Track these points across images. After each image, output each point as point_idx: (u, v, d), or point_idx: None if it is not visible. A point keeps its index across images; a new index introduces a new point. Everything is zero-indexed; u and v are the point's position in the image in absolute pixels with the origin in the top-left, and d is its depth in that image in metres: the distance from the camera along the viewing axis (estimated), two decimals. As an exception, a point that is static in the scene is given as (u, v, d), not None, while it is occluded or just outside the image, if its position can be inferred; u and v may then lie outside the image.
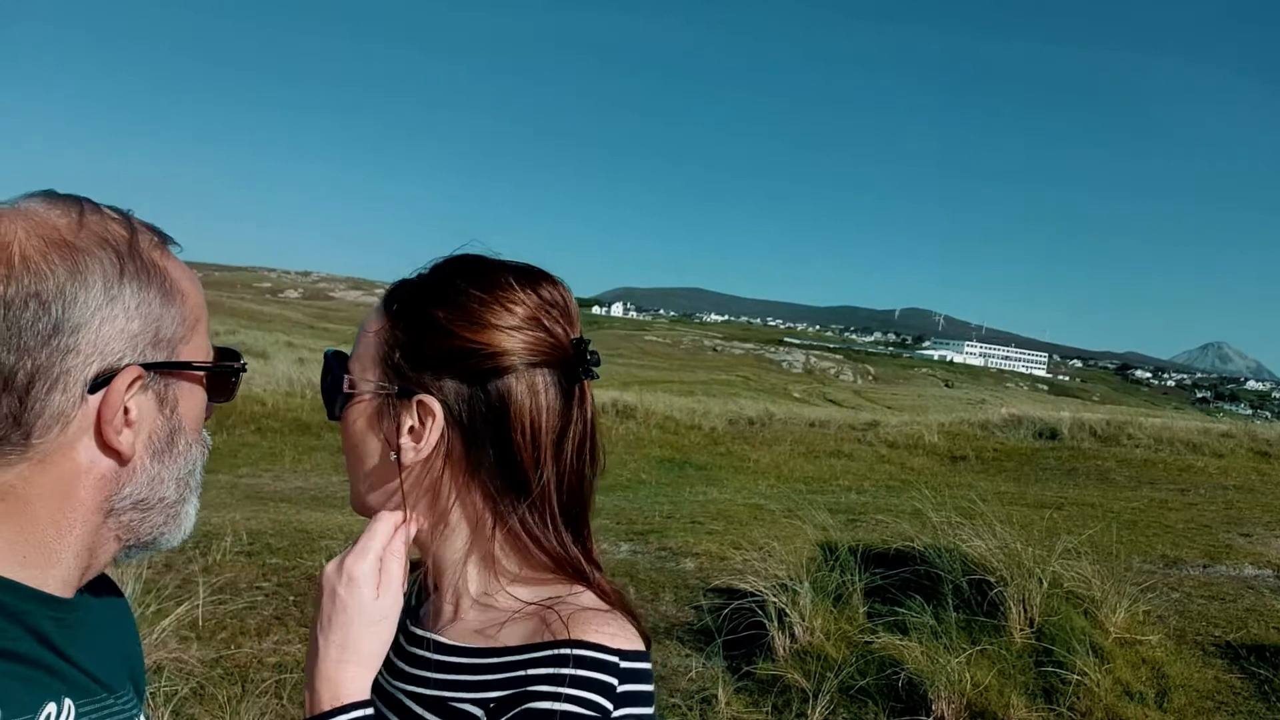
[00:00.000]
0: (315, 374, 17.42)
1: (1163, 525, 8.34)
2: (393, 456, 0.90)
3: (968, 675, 3.98)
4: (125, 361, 0.77)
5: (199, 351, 0.85)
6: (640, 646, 0.85)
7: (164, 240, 0.86)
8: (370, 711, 0.86)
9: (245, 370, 0.93)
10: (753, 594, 4.80)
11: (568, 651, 0.80)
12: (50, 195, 0.80)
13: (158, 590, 4.30)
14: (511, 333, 0.88)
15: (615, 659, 0.81)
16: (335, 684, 0.86)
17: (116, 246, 0.79)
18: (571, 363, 0.90)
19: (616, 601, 0.89)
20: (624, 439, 14.93)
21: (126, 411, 0.78)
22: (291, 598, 5.06)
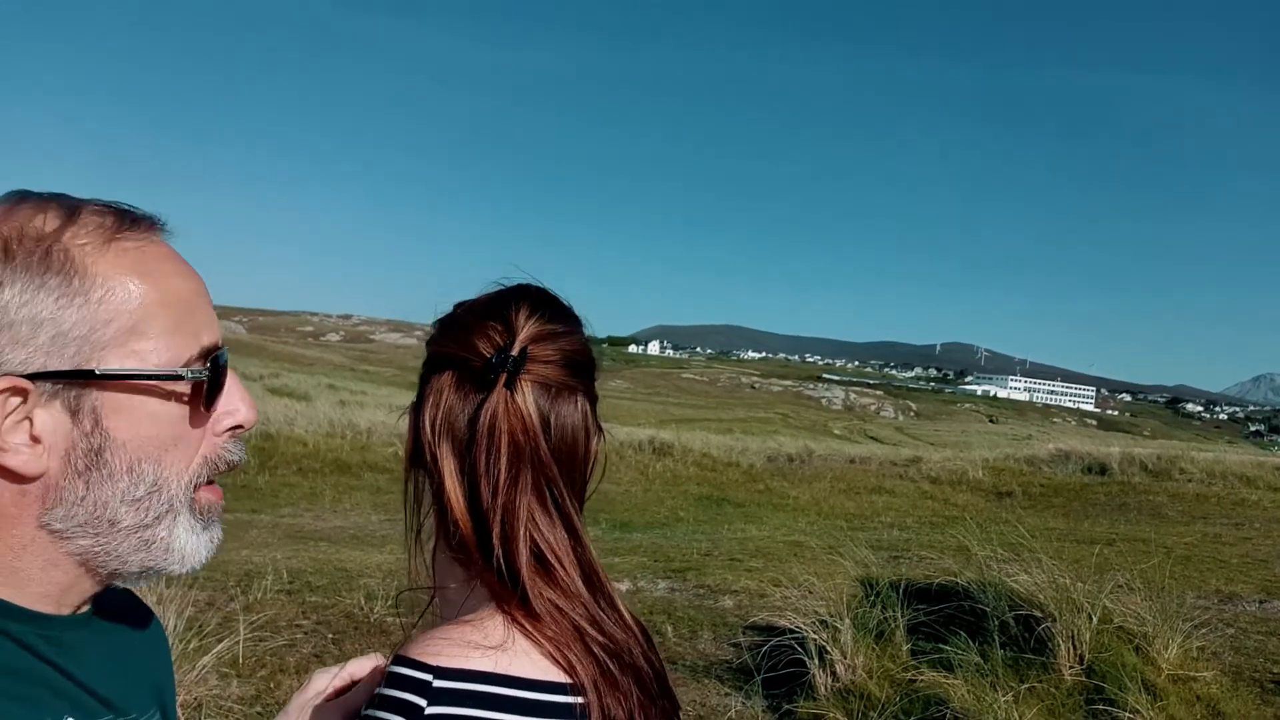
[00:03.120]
0: (355, 415, 17.64)
1: (1217, 560, 8.08)
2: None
3: (1015, 714, 3.86)
4: None
5: (144, 358, 0.73)
6: (483, 668, 0.77)
7: (133, 228, 0.76)
8: None
9: (190, 377, 0.76)
10: (793, 631, 4.72)
11: (387, 667, 0.78)
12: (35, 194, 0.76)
13: (199, 627, 4.35)
14: None
15: (428, 676, 0.75)
16: None
17: (9, 236, 0.70)
18: None
19: (539, 628, 0.81)
20: (661, 476, 14.87)
21: (32, 424, 0.70)
22: (330, 635, 5.09)
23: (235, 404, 0.80)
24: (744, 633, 5.33)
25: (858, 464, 17.35)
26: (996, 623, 4.48)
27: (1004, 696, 3.94)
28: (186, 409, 0.76)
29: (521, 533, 0.84)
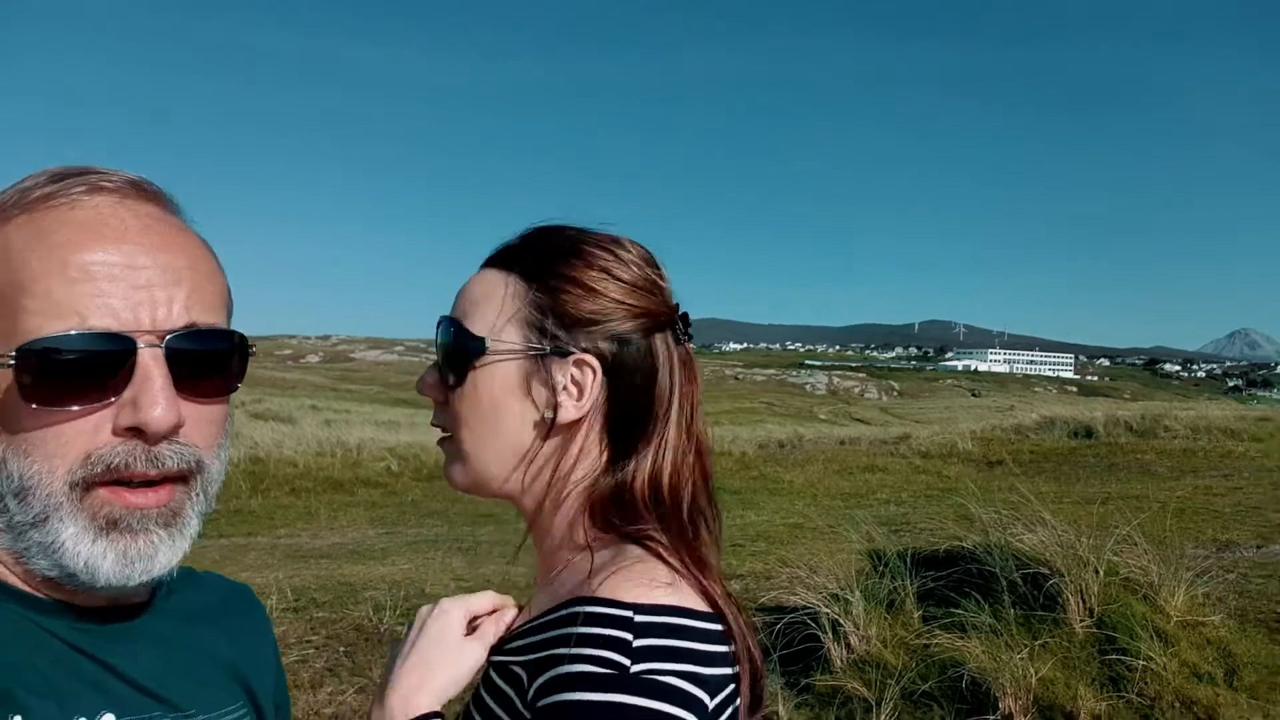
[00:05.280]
0: (344, 433, 17.53)
1: (1211, 511, 8.20)
2: (547, 416, 0.89)
3: (1032, 670, 3.90)
4: None
5: (16, 336, 0.69)
6: (673, 602, 0.80)
7: (59, 193, 0.72)
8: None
9: (31, 361, 0.69)
10: (804, 608, 4.75)
11: (580, 609, 0.79)
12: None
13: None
14: (644, 295, 0.92)
15: (628, 613, 0.77)
16: (407, 703, 0.87)
17: None
18: (677, 327, 0.94)
19: (686, 570, 0.85)
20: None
21: None
22: (342, 649, 5.06)
23: (143, 401, 0.70)
24: (755, 614, 5.35)
25: (848, 445, 17.44)
26: (1005, 583, 4.53)
27: (1019, 654, 3.98)
28: (23, 402, 0.69)
29: (687, 489, 0.91)
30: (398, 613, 5.48)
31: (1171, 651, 4.02)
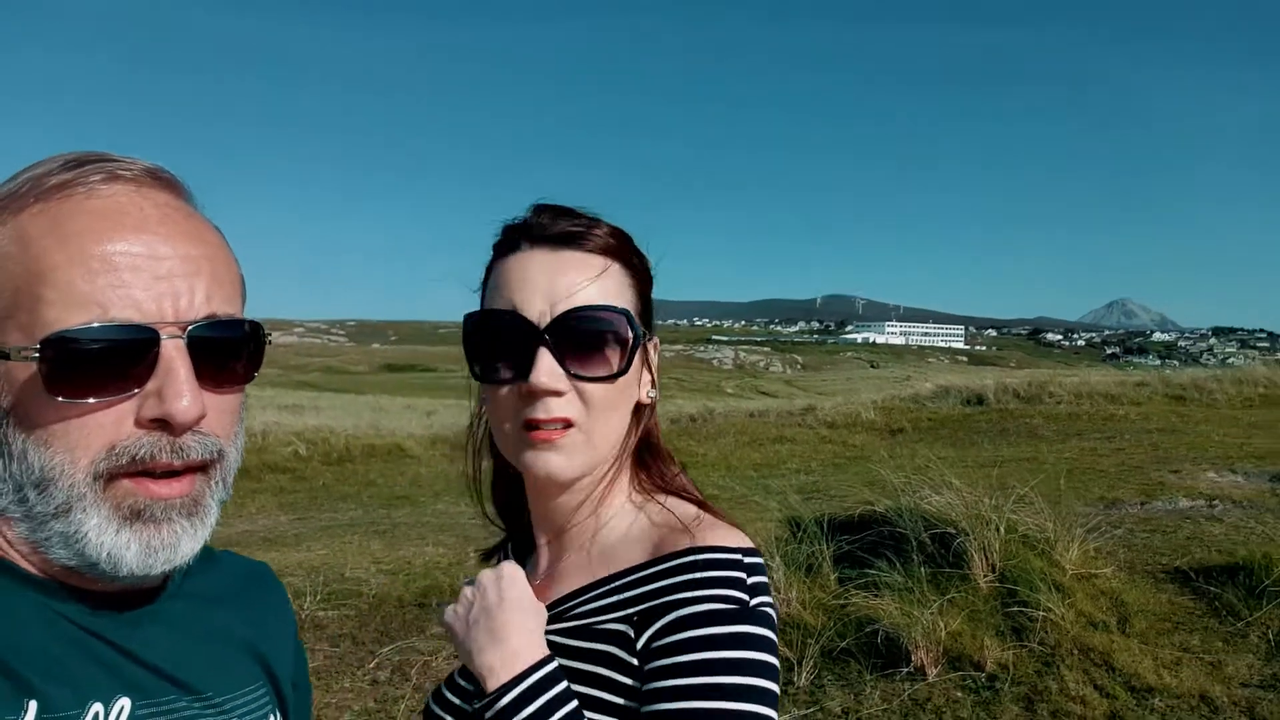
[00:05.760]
0: (246, 418, 16.91)
1: (1097, 471, 8.73)
2: (650, 395, 1.01)
3: (941, 624, 4.13)
4: None
5: (8, 333, 0.70)
6: (752, 545, 0.93)
7: (74, 181, 0.72)
8: (555, 662, 0.90)
9: (15, 358, 0.69)
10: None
11: (699, 557, 0.88)
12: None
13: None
14: None
15: (739, 556, 0.89)
16: (531, 650, 0.90)
17: None
18: None
19: (719, 513, 0.99)
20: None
21: None
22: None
23: (168, 393, 0.70)
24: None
25: (757, 418, 17.83)
26: (915, 543, 4.76)
27: (929, 610, 4.20)
28: (47, 394, 0.69)
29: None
30: (318, 599, 5.39)
31: (1068, 602, 4.31)
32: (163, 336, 0.70)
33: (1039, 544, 4.80)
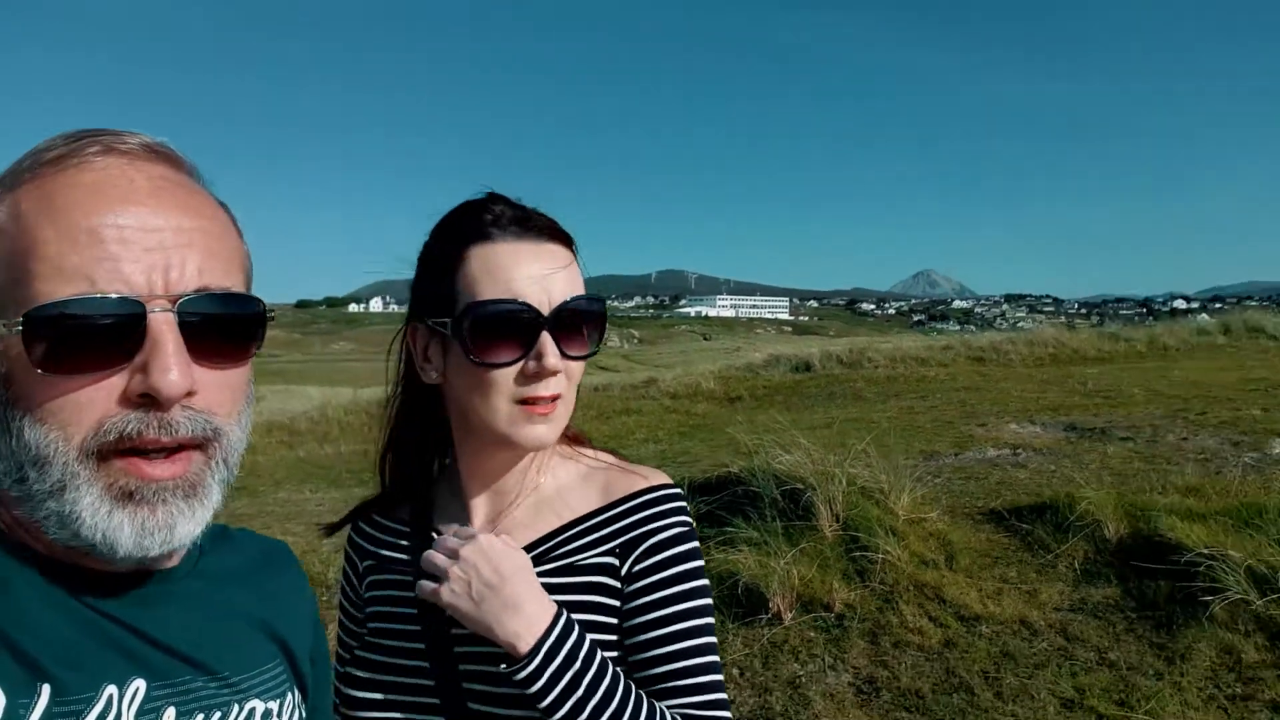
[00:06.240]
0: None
1: (915, 427, 9.49)
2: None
3: (794, 572, 4.46)
4: None
5: (26, 303, 0.68)
6: None
7: (71, 154, 0.71)
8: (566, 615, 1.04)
9: (3, 333, 0.68)
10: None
11: (658, 494, 1.13)
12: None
13: None
14: None
15: (679, 489, 1.15)
16: (545, 612, 1.02)
17: None
18: None
19: (627, 458, 1.22)
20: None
21: None
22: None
23: (153, 367, 0.68)
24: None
25: (601, 391, 18.08)
26: (768, 500, 5.08)
27: (783, 560, 4.52)
28: (35, 370, 0.68)
29: None
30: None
31: (903, 545, 4.75)
32: (150, 310, 0.68)
33: (875, 494, 5.24)
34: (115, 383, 0.68)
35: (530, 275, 1.04)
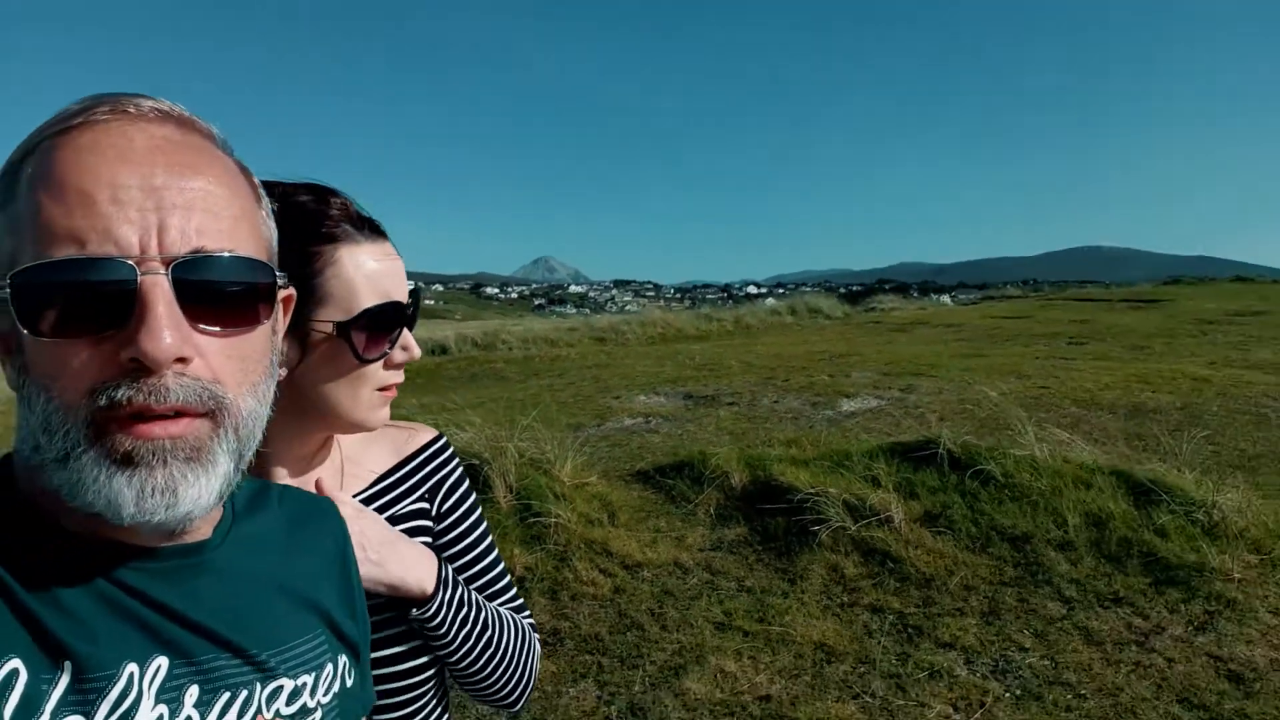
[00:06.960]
0: None
1: (559, 403, 10.14)
2: None
3: (478, 543, 4.70)
4: None
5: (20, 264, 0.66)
6: None
7: (84, 113, 0.70)
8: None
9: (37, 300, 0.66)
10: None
11: (441, 444, 1.32)
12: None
13: None
14: None
15: (447, 439, 1.35)
16: (431, 561, 1.16)
17: None
18: None
19: None
20: None
21: None
22: None
23: (140, 331, 0.65)
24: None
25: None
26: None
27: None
28: (28, 335, 0.66)
29: None
30: None
31: (571, 507, 5.20)
32: (140, 272, 0.65)
33: (543, 464, 5.65)
34: (109, 348, 0.66)
35: (399, 278, 1.14)
